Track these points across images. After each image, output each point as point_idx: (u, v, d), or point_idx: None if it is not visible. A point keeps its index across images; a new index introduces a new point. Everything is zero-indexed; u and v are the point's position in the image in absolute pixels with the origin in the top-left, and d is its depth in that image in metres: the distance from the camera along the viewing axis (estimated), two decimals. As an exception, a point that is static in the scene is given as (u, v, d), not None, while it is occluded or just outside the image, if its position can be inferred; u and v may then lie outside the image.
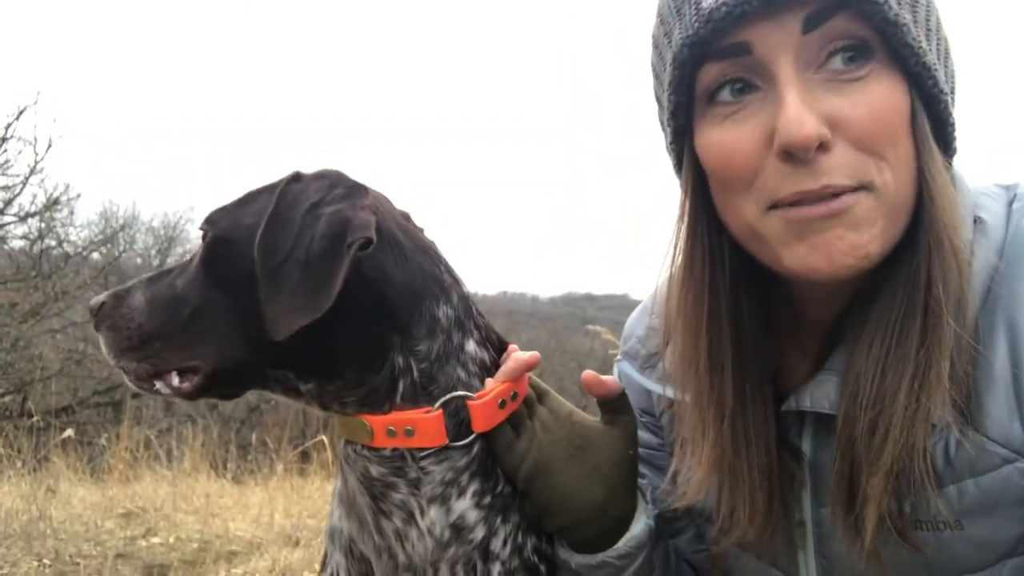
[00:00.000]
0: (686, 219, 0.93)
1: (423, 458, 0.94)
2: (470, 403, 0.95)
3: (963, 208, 0.87)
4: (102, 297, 1.02)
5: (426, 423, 0.93)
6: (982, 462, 0.82)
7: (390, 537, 0.96)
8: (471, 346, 1.01)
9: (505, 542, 0.97)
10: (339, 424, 0.97)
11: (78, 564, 3.32)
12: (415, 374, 0.96)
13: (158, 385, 0.99)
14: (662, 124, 0.95)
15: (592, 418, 1.02)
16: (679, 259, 0.94)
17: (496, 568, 0.95)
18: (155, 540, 3.82)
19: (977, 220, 0.88)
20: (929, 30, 0.83)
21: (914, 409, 0.80)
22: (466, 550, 0.95)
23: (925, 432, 0.81)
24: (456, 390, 0.96)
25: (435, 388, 0.96)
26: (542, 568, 1.00)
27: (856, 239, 0.80)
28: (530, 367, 0.99)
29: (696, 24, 0.81)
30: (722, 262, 0.91)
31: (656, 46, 0.91)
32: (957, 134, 0.86)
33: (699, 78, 0.85)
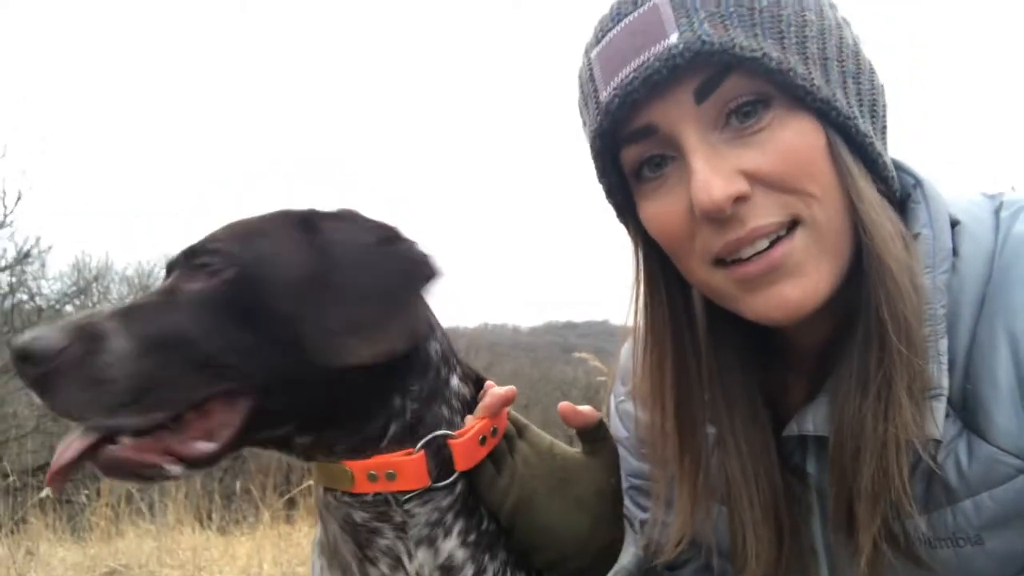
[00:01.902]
0: (643, 284, 0.96)
1: (407, 501, 0.93)
2: (451, 442, 0.94)
3: (938, 215, 0.88)
4: (51, 338, 0.82)
5: (408, 465, 0.91)
6: (995, 474, 0.82)
7: None
8: (455, 382, 1.01)
9: None
10: (317, 471, 0.95)
11: (62, 628, 3.21)
12: (407, 415, 0.95)
13: (165, 463, 0.85)
14: (610, 205, 0.98)
15: (573, 450, 1.01)
16: (641, 321, 0.96)
17: None
18: (141, 599, 3.70)
19: (955, 224, 0.89)
20: (827, 59, 0.84)
21: (882, 432, 0.81)
22: None
23: (897, 454, 0.81)
24: (439, 429, 0.95)
25: (421, 428, 0.95)
26: None
27: (805, 286, 0.83)
28: (507, 402, 0.98)
29: (599, 117, 0.86)
30: (687, 315, 0.94)
31: (586, 137, 0.95)
32: (880, 149, 0.88)
33: (623, 159, 0.89)
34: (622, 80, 0.82)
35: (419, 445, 0.92)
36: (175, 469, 0.85)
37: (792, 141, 0.82)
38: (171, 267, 0.95)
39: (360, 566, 0.94)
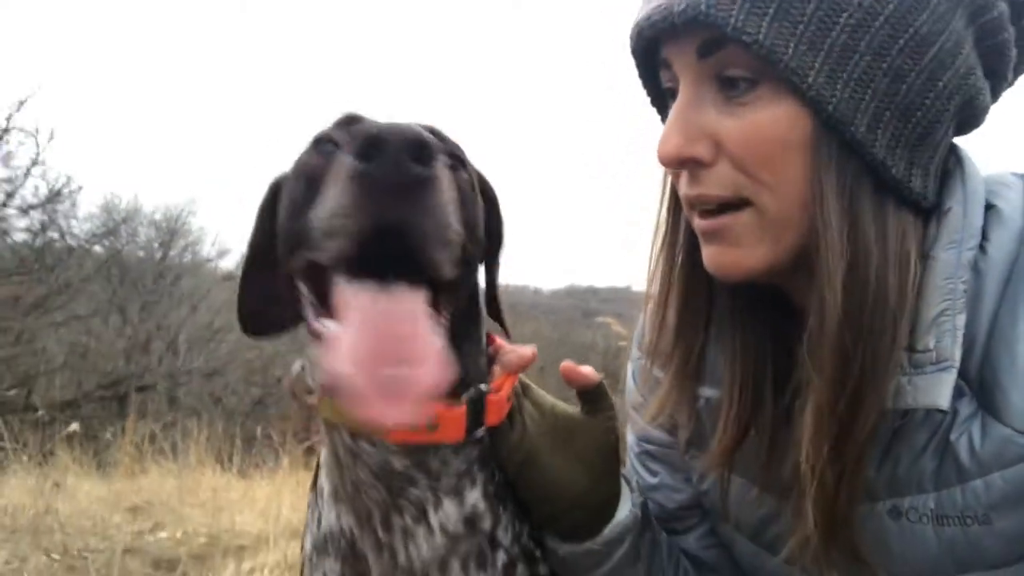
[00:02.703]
0: (668, 189, 1.02)
1: (443, 449, 0.92)
2: (489, 397, 0.93)
3: (973, 194, 0.87)
4: (435, 143, 0.73)
5: (450, 418, 0.90)
6: (1008, 454, 0.82)
7: (395, 534, 0.92)
8: (483, 331, 1.01)
9: (507, 529, 0.96)
10: (341, 415, 0.89)
11: (86, 558, 3.32)
12: (464, 362, 0.92)
13: None
14: None
15: (573, 409, 1.02)
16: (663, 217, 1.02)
17: (501, 557, 0.95)
18: (162, 535, 3.82)
19: (991, 208, 0.88)
20: (852, 53, 0.80)
21: (820, 420, 0.85)
22: (478, 541, 0.94)
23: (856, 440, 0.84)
24: (477, 382, 0.94)
25: (468, 377, 0.93)
26: (537, 554, 1.00)
27: (737, 256, 0.89)
28: (531, 362, 0.99)
29: (631, 37, 0.92)
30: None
31: None
32: (885, 156, 0.83)
33: (660, 76, 0.94)
34: (645, 14, 0.87)
35: (463, 398, 0.91)
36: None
37: (763, 126, 0.83)
38: (359, 122, 0.85)
39: (384, 514, 0.92)
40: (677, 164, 0.89)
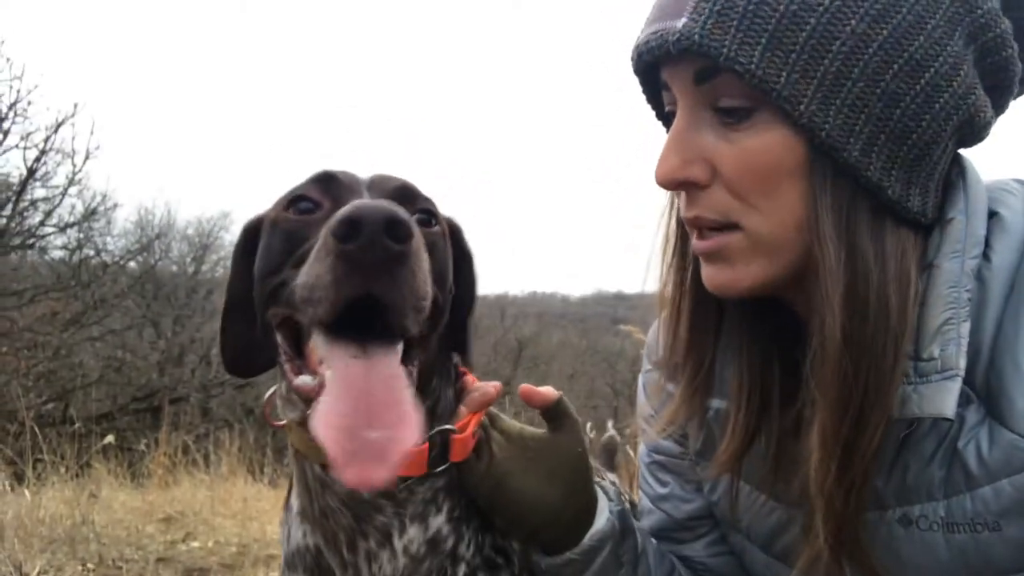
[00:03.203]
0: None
1: (407, 481, 0.96)
2: (454, 436, 0.97)
3: (975, 203, 0.87)
4: (407, 218, 0.75)
5: (412, 455, 0.92)
6: (1016, 461, 0.81)
7: (360, 555, 0.97)
8: (451, 367, 1.05)
9: (469, 544, 1.00)
10: (310, 449, 0.94)
11: (120, 568, 3.39)
12: (435, 399, 1.00)
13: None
14: None
15: (540, 431, 1.05)
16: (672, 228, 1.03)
17: (461, 568, 0.98)
18: (195, 544, 3.88)
19: (993, 215, 0.88)
20: (846, 79, 0.80)
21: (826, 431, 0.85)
22: (439, 560, 0.98)
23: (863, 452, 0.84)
24: (443, 420, 0.99)
25: (434, 417, 0.99)
26: (499, 561, 1.02)
27: (731, 275, 0.90)
28: (495, 400, 1.03)
29: (632, 59, 0.93)
30: None
31: None
32: (880, 178, 0.83)
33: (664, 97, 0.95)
34: (644, 39, 0.88)
35: (428, 435, 0.95)
36: None
37: (757, 152, 0.84)
38: (335, 180, 0.92)
39: (350, 538, 0.97)
40: (674, 186, 0.90)
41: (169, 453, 5.92)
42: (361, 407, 0.76)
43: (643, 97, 1.00)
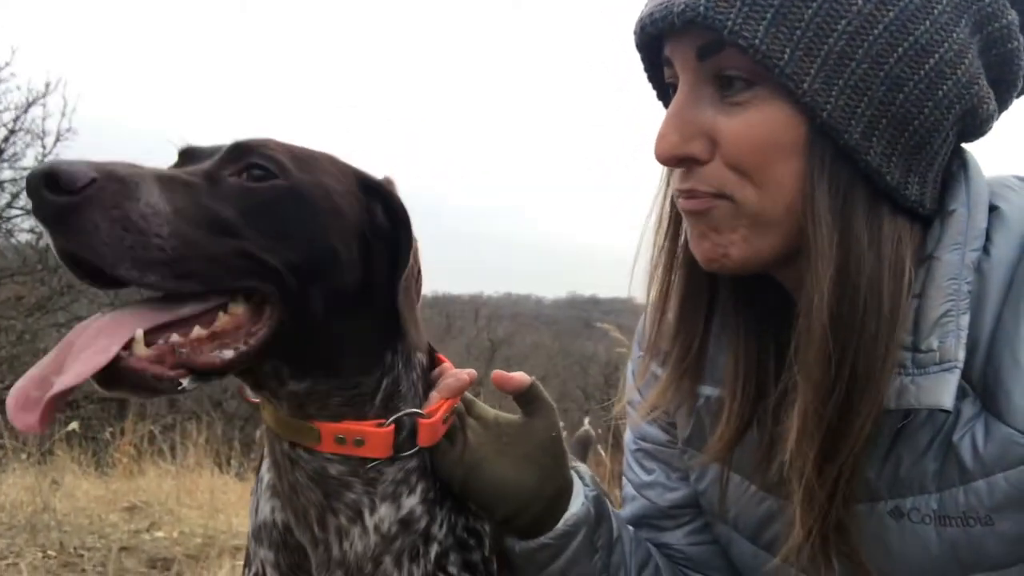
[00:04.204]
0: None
1: (377, 460, 0.96)
2: (420, 420, 0.97)
3: (976, 196, 0.87)
4: (80, 167, 0.73)
5: (377, 436, 0.94)
6: (1011, 456, 0.82)
7: (330, 532, 0.97)
8: (418, 350, 1.03)
9: (441, 524, 1.00)
10: (279, 425, 0.95)
11: (82, 556, 3.33)
12: (395, 374, 0.98)
13: (180, 377, 0.79)
14: None
15: (514, 416, 1.05)
16: (667, 209, 1.02)
17: (434, 548, 0.99)
18: (159, 534, 3.82)
19: (993, 210, 0.88)
20: (849, 60, 0.80)
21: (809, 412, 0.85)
22: (412, 539, 0.98)
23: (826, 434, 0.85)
24: (408, 402, 0.99)
25: (397, 396, 0.98)
26: (471, 542, 1.03)
27: (717, 240, 0.89)
28: (468, 386, 1.03)
29: (635, 32, 0.92)
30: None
31: None
32: (880, 163, 0.83)
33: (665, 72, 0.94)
34: (648, 11, 0.88)
35: (391, 419, 0.96)
36: (187, 383, 0.80)
37: (756, 126, 0.84)
38: (196, 154, 0.92)
39: (320, 514, 0.96)
40: (674, 162, 0.89)
41: (135, 442, 5.82)
42: (58, 356, 0.77)
43: (644, 75, 0.99)
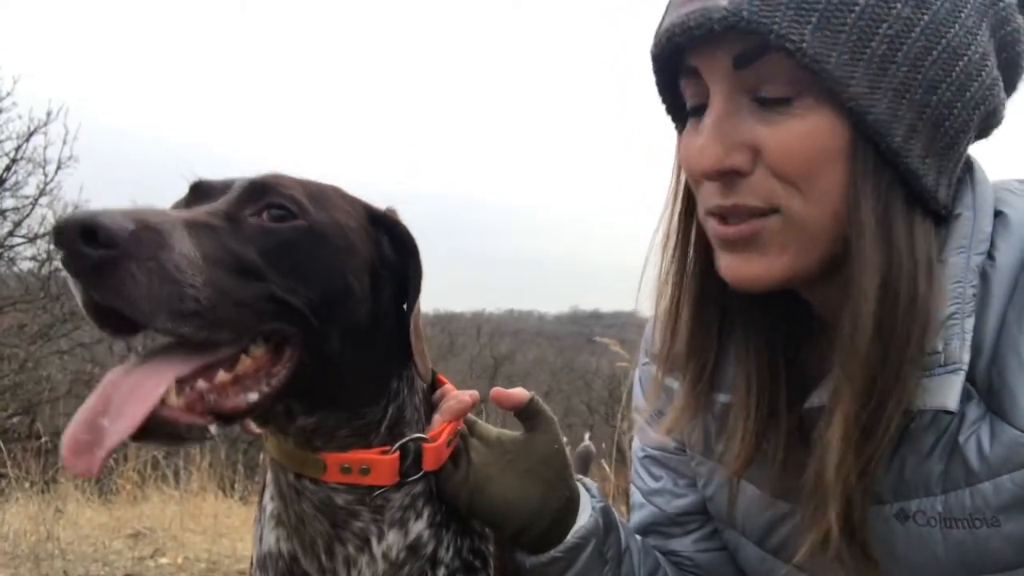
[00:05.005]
0: (678, 193, 0.99)
1: (383, 488, 0.96)
2: (425, 445, 0.97)
3: (982, 200, 0.88)
4: (118, 218, 0.72)
5: (383, 463, 0.95)
6: (1017, 457, 0.82)
7: (338, 561, 0.97)
8: (420, 374, 1.04)
9: (448, 547, 1.00)
10: (284, 457, 0.95)
11: (86, 584, 3.31)
12: (398, 404, 0.98)
13: (208, 423, 0.79)
14: None
15: (516, 433, 1.05)
16: (674, 226, 1.00)
17: (441, 572, 0.99)
18: (164, 560, 3.80)
19: (998, 214, 0.89)
20: (891, 63, 0.80)
21: (849, 440, 0.84)
22: (420, 564, 0.98)
23: (860, 460, 0.83)
24: (412, 427, 0.99)
25: (401, 422, 0.98)
26: (477, 563, 1.03)
27: (763, 264, 0.86)
28: (471, 408, 1.03)
29: (657, 43, 0.88)
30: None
31: None
32: (918, 166, 0.83)
33: (681, 85, 0.91)
34: (673, 21, 0.84)
35: (396, 445, 0.96)
36: (214, 429, 0.80)
37: (805, 134, 0.82)
38: (207, 189, 0.92)
39: (327, 544, 0.97)
40: (717, 176, 0.85)
41: (138, 468, 5.80)
42: (102, 398, 0.76)
43: (654, 89, 0.95)
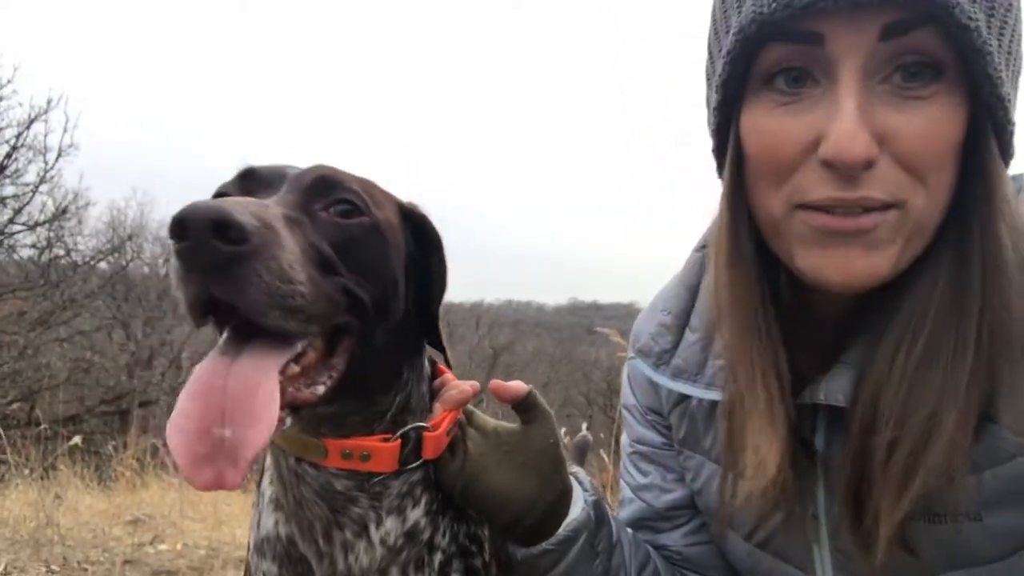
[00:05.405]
0: (729, 198, 0.89)
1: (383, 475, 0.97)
2: (426, 433, 0.98)
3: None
4: (247, 217, 0.72)
5: (384, 451, 0.95)
6: (1000, 452, 0.82)
7: (336, 545, 0.98)
8: (426, 363, 1.05)
9: (444, 533, 1.01)
10: (285, 441, 0.95)
11: (86, 570, 3.33)
12: (406, 394, 1.00)
13: (287, 416, 0.80)
14: (708, 93, 0.93)
15: (513, 425, 1.06)
16: (724, 236, 0.91)
17: (437, 557, 1.00)
18: (163, 547, 3.82)
19: None
20: (1010, 54, 0.78)
21: (960, 440, 0.79)
22: (417, 550, 0.99)
23: (964, 461, 0.80)
24: (416, 415, 1.00)
25: (408, 411, 0.99)
26: (473, 548, 1.04)
27: (872, 260, 0.79)
28: (472, 398, 1.03)
29: (773, 4, 0.77)
30: (752, 241, 0.90)
31: (724, 6, 0.86)
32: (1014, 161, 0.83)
33: (760, 56, 0.81)
34: None
35: (399, 433, 0.96)
36: (288, 421, 0.80)
37: (941, 124, 0.76)
38: (258, 176, 0.92)
39: (326, 528, 0.98)
40: (860, 165, 0.76)
41: (137, 456, 5.83)
42: (214, 405, 0.74)
43: (723, 55, 0.84)
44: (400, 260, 0.95)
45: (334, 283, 0.83)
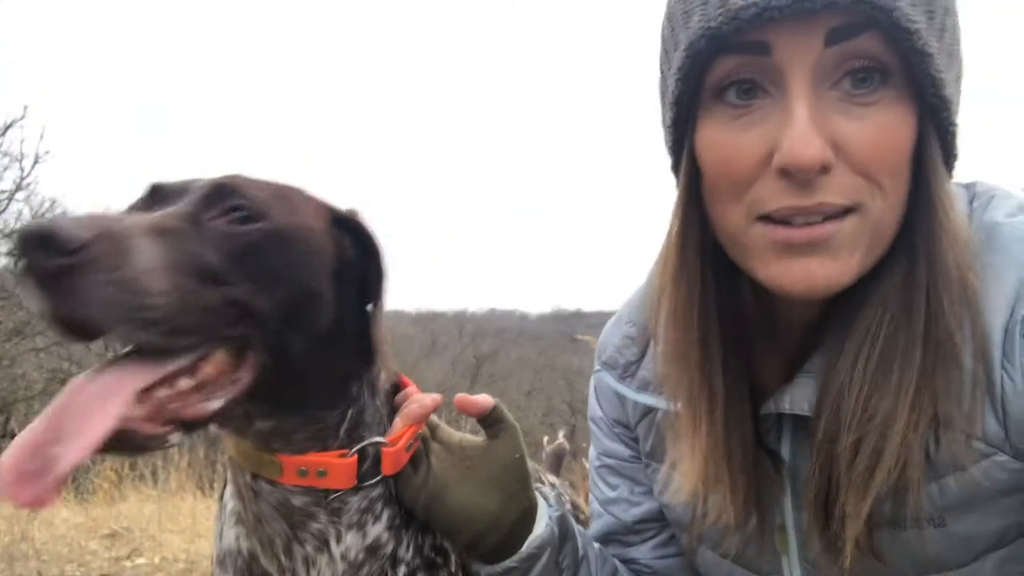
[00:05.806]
0: (681, 210, 0.90)
1: (341, 491, 0.96)
2: (384, 449, 0.97)
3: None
4: (74, 228, 0.70)
5: (340, 467, 0.95)
6: (960, 458, 0.83)
7: (297, 561, 0.97)
8: (383, 375, 1.03)
9: (408, 546, 1.00)
10: (242, 457, 0.95)
11: (61, 585, 3.27)
12: (360, 403, 0.98)
13: (169, 433, 0.78)
14: (662, 111, 0.92)
15: (479, 439, 1.05)
16: (672, 250, 0.92)
17: (401, 570, 0.99)
18: (141, 560, 3.77)
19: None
20: (951, 56, 0.79)
21: (913, 438, 0.81)
22: (380, 564, 0.98)
23: (920, 461, 0.81)
24: (373, 430, 0.99)
25: (361, 426, 0.98)
26: (438, 560, 1.03)
27: (833, 268, 0.80)
28: (433, 411, 1.02)
29: (720, 18, 0.77)
30: (711, 254, 0.90)
31: (671, 26, 0.86)
32: (957, 164, 0.84)
33: (710, 70, 0.82)
34: None
35: (354, 449, 0.96)
36: (175, 438, 0.79)
37: (891, 128, 0.78)
38: (166, 191, 0.90)
39: (286, 543, 0.97)
40: (814, 171, 0.76)
41: (115, 467, 5.75)
42: (53, 422, 0.73)
43: (674, 72, 0.85)
44: (324, 267, 0.92)
45: (217, 293, 0.80)
